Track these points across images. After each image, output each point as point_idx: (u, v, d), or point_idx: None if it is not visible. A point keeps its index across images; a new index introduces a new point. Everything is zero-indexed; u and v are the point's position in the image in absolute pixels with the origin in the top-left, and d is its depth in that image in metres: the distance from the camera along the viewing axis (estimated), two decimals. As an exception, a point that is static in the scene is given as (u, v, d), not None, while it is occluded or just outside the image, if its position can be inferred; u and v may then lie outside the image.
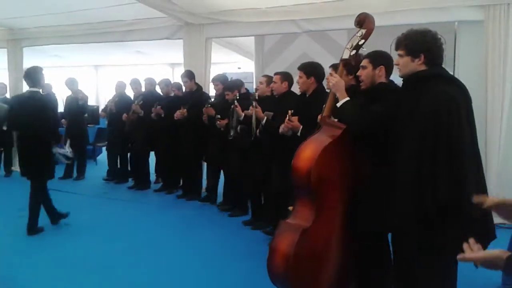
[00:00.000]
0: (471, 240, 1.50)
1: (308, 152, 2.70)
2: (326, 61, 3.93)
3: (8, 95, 7.83)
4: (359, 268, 2.87)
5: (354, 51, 2.81)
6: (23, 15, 6.94)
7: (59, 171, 7.61)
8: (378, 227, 2.58)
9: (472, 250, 1.47)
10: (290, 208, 2.91)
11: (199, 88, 6.25)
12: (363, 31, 2.74)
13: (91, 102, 10.68)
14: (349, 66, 2.92)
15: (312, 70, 3.91)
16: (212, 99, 6.10)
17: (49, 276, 3.67)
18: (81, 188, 7.09)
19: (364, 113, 2.64)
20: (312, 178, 2.60)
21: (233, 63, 11.78)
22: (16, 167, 7.98)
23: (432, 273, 2.26)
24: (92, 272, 3.75)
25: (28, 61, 11.41)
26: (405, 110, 2.36)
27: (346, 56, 2.85)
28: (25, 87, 8.13)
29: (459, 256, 1.47)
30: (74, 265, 3.89)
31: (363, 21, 2.75)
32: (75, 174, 7.70)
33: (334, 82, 2.82)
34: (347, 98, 2.75)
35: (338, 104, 2.78)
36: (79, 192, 6.81)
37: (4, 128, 7.06)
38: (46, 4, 6.35)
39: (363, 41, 2.76)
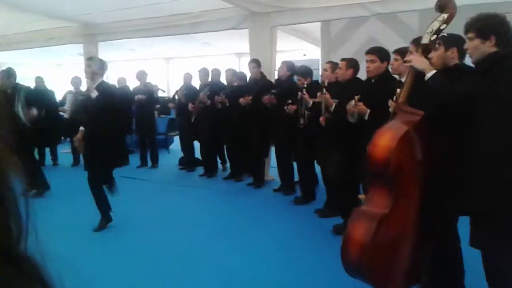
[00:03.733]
0: None
1: (386, 139, 2.63)
2: (396, 45, 3.80)
3: (83, 88, 8.31)
4: (431, 260, 2.79)
5: (434, 36, 2.69)
6: (97, 11, 7.29)
7: (135, 160, 8.10)
8: (453, 213, 2.50)
9: None
10: (361, 196, 2.87)
11: (262, 76, 6.30)
12: (445, 15, 2.62)
13: (165, 93, 11.14)
14: (428, 51, 2.81)
15: (386, 54, 3.82)
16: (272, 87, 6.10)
17: (127, 265, 3.73)
18: (155, 176, 7.43)
19: (455, 85, 2.54)
20: (391, 165, 2.54)
21: (299, 50, 11.69)
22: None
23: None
24: (171, 260, 3.80)
25: (105, 55, 12.11)
26: (486, 90, 2.31)
27: (426, 41, 2.73)
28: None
29: None
30: (152, 253, 3.96)
31: (445, 6, 2.63)
32: (149, 163, 8.07)
33: (414, 59, 2.70)
34: (435, 70, 2.63)
35: (427, 76, 2.65)
36: (153, 180, 7.13)
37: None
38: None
39: (444, 25, 2.64)
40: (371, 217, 2.55)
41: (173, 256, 3.90)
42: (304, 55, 11.84)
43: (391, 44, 3.97)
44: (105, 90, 4.39)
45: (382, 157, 2.56)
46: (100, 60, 4.59)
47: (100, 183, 4.59)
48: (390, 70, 3.78)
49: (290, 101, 5.35)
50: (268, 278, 3.44)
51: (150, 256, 3.90)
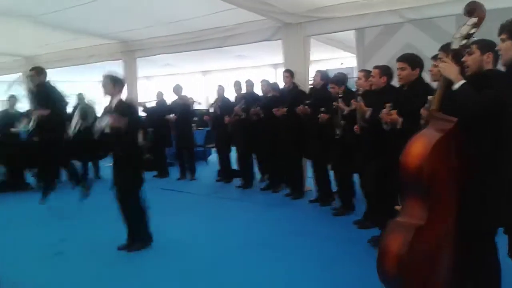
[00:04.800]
0: None
1: (419, 148, 2.55)
2: (433, 51, 3.66)
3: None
4: (468, 272, 2.67)
5: (464, 41, 2.61)
6: (134, 28, 7.53)
7: (175, 172, 8.26)
8: (491, 224, 2.39)
9: None
10: (398, 207, 2.79)
11: (296, 86, 6.29)
12: (474, 19, 2.54)
13: (202, 106, 11.31)
14: (459, 56, 2.72)
15: (417, 61, 3.74)
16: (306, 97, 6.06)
17: (165, 274, 3.82)
18: (194, 188, 7.53)
19: (481, 95, 2.45)
20: (424, 174, 2.46)
21: (336, 59, 11.61)
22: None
23: None
24: (210, 271, 3.85)
25: (143, 71, 12.49)
26: None
27: (455, 46, 2.65)
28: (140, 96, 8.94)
29: None
30: (190, 263, 4.03)
31: (474, 10, 2.55)
32: (188, 175, 8.19)
33: (445, 67, 2.63)
34: (463, 81, 2.55)
35: (455, 87, 2.57)
36: (192, 192, 7.23)
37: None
38: (155, 16, 6.84)
39: (474, 29, 2.55)
40: (406, 229, 2.48)
41: (211, 267, 3.94)
42: (342, 64, 11.73)
43: (429, 50, 3.88)
44: (123, 111, 4.27)
45: (414, 166, 2.49)
46: (112, 77, 4.38)
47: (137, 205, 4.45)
48: (430, 76, 3.69)
49: (323, 109, 5.30)
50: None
51: (188, 267, 3.95)
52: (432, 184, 2.47)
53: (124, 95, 4.56)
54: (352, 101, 4.55)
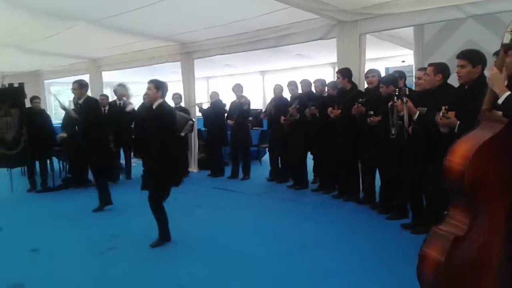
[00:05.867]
0: None
1: (462, 151, 2.41)
2: (496, 49, 3.41)
3: (183, 104, 8.75)
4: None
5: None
6: (191, 30, 7.68)
7: (227, 171, 8.36)
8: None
9: None
10: (446, 213, 2.65)
11: (354, 86, 6.10)
12: None
13: (257, 106, 11.36)
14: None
15: (478, 57, 3.51)
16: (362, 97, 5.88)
17: (210, 275, 3.85)
18: (245, 187, 7.56)
19: None
20: (466, 180, 2.32)
21: (397, 57, 11.19)
22: (191, 168, 8.96)
23: None
24: (257, 269, 3.91)
25: (204, 72, 12.75)
26: None
27: (507, 40, 2.46)
28: (197, 97, 9.12)
29: None
30: (237, 263, 4.08)
31: None
32: (240, 174, 8.24)
33: (490, 76, 2.46)
34: (508, 92, 2.35)
35: (499, 101, 2.40)
36: (243, 191, 7.27)
37: (182, 134, 7.98)
38: (211, 18, 6.94)
39: None
40: (445, 237, 2.36)
41: (259, 266, 3.99)
42: (403, 61, 11.29)
43: (492, 47, 3.60)
44: (160, 113, 4.47)
45: (457, 171, 2.34)
46: (156, 81, 4.56)
47: (162, 203, 4.59)
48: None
49: (372, 113, 5.13)
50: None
51: (235, 267, 4.00)
52: (475, 191, 2.30)
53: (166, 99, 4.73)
54: (399, 101, 4.34)
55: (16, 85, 7.59)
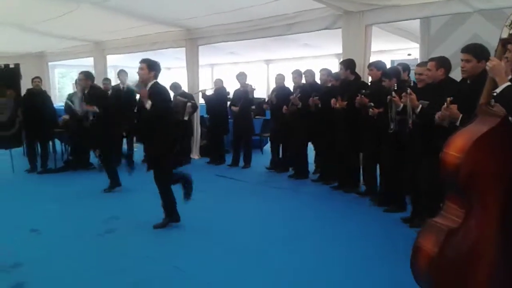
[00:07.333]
0: None
1: (458, 144, 2.43)
2: (500, 43, 3.43)
3: (186, 90, 8.74)
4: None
5: (514, 29, 2.41)
6: (196, 16, 7.63)
7: (227, 159, 8.38)
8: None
9: None
10: (442, 206, 2.68)
11: (357, 77, 6.08)
12: None
13: (261, 95, 11.32)
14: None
15: (482, 52, 3.48)
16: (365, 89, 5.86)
17: (206, 259, 3.88)
18: (246, 176, 7.56)
19: None
20: (461, 173, 2.34)
21: (403, 49, 11.12)
22: (193, 155, 8.98)
23: None
24: (252, 258, 3.92)
25: (209, 59, 12.70)
26: None
27: (505, 35, 2.46)
28: (201, 84, 9.11)
29: None
30: (233, 251, 4.09)
31: None
32: (241, 162, 8.25)
33: (491, 66, 2.46)
34: (508, 83, 2.36)
35: (497, 90, 2.41)
36: (243, 179, 7.28)
37: (186, 118, 7.99)
38: (217, 4, 6.91)
39: None
40: (439, 230, 2.38)
41: (256, 253, 4.02)
42: (409, 54, 11.22)
43: (497, 41, 3.58)
44: (154, 95, 4.37)
45: (452, 163, 2.35)
46: (148, 61, 4.44)
47: (169, 186, 4.64)
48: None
49: (372, 104, 5.12)
50: (342, 281, 3.45)
51: (232, 253, 4.03)
52: (470, 184, 2.32)
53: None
54: (403, 95, 4.33)
55: (12, 66, 7.56)
